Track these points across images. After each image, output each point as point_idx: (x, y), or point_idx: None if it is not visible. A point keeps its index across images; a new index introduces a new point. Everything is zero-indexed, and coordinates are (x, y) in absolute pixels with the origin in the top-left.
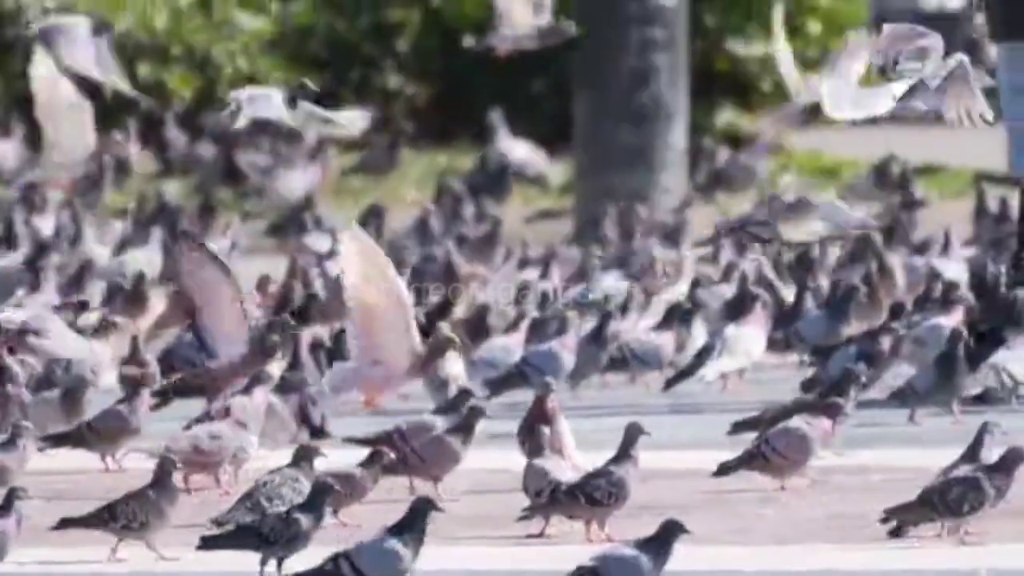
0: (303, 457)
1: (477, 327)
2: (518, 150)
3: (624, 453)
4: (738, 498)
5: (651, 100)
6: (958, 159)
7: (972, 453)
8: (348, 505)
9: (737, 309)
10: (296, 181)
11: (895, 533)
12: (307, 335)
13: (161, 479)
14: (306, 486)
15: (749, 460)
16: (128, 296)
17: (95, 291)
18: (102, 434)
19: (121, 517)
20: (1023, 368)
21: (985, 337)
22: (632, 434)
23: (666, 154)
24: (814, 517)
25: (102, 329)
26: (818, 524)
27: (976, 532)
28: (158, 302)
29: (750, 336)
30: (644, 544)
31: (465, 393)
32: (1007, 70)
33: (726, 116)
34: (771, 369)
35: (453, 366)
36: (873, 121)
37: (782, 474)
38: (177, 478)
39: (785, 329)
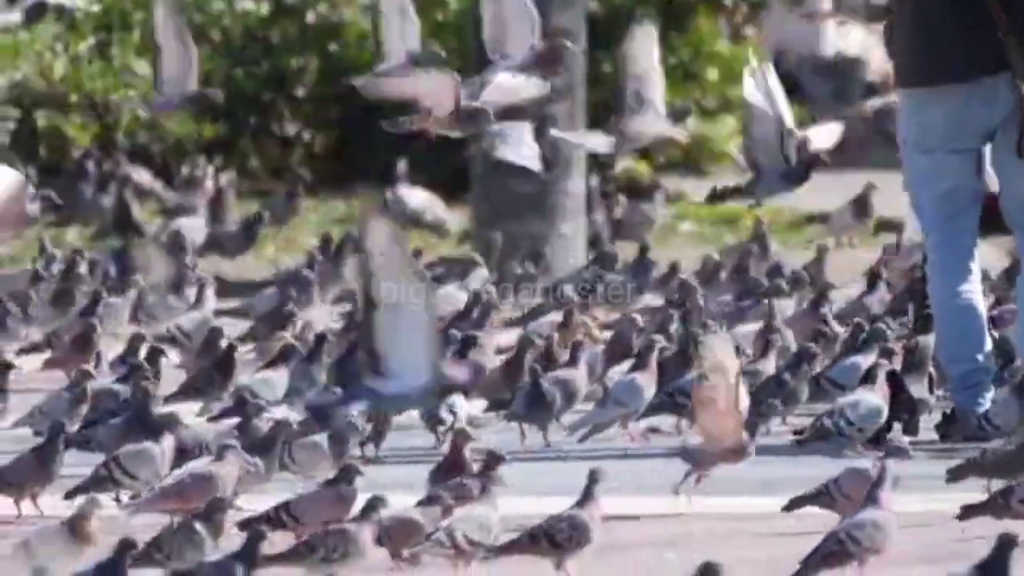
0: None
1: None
2: (414, 197)
3: (587, 497)
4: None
5: (549, 148)
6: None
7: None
8: (408, 546)
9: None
10: (196, 229)
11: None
12: None
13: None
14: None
15: (816, 497)
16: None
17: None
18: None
19: (320, 549)
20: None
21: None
22: (595, 478)
23: (565, 202)
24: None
25: None
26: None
27: None
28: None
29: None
30: None
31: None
32: (905, 117)
33: (624, 164)
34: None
35: None
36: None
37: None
38: None
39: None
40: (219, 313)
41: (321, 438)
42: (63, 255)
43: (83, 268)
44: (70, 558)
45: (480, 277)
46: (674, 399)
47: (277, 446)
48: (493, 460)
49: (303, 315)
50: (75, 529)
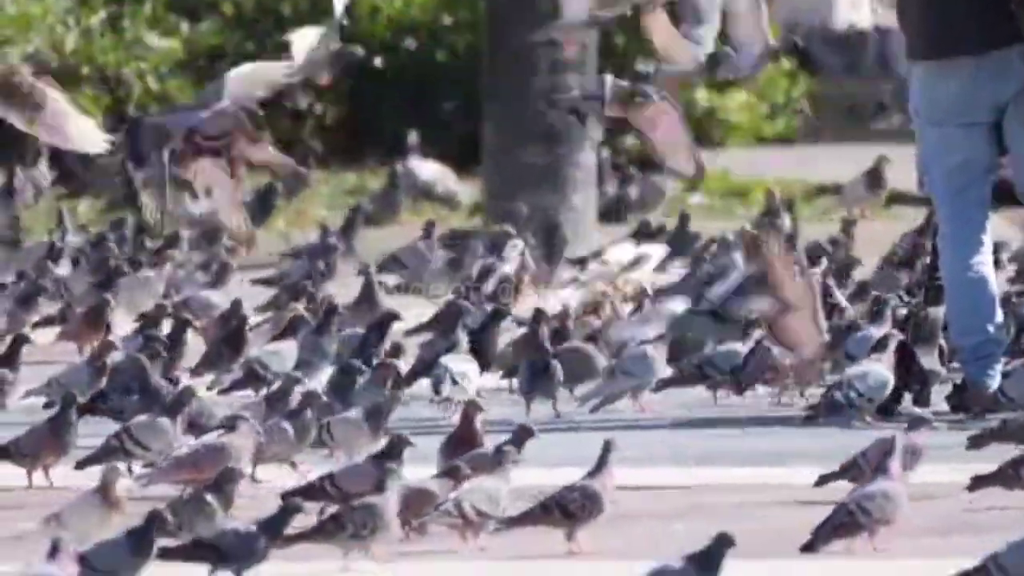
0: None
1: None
2: (425, 169)
3: (600, 467)
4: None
5: (560, 121)
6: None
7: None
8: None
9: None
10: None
11: (808, 548)
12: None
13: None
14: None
15: (847, 471)
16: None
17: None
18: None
19: (350, 526)
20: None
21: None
22: (609, 448)
23: (575, 173)
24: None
25: None
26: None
27: (883, 548)
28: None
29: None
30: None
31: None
32: (916, 90)
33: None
34: None
35: None
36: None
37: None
38: None
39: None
40: (254, 282)
41: (357, 413)
42: (76, 226)
43: (112, 243)
44: (102, 527)
45: (516, 249)
46: (702, 370)
47: (308, 417)
48: (524, 433)
49: (325, 286)
50: (105, 498)
